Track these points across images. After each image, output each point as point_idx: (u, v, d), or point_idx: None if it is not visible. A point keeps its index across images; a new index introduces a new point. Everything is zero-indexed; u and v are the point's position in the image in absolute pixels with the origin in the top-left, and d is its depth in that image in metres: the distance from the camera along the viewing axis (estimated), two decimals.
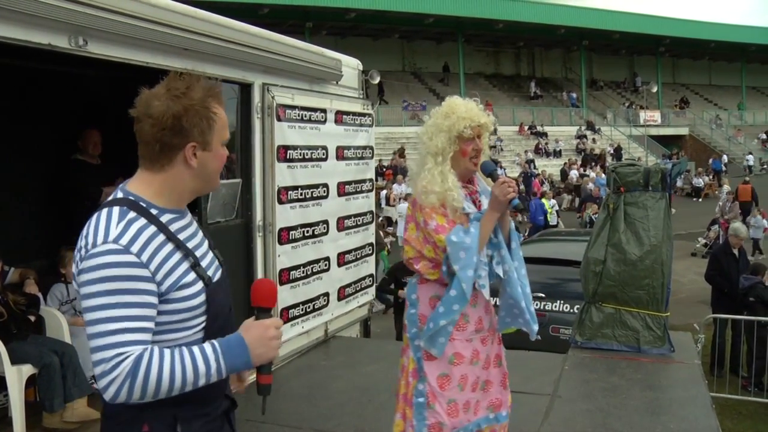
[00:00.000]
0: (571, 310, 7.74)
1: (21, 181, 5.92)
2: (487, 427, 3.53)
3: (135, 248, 1.92)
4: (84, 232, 1.96)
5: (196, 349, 1.95)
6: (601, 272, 6.28)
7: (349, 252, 7.09)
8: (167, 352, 1.92)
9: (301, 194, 6.21)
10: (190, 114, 1.98)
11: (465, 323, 3.43)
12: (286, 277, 6.02)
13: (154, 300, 1.94)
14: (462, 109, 3.40)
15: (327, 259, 6.67)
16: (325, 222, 6.61)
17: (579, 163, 34.89)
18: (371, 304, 7.72)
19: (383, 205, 20.91)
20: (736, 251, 9.92)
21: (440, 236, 3.30)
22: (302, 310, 6.29)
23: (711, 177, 35.80)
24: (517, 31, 45.20)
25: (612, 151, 38.76)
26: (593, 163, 35.00)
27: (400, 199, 20.11)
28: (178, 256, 2.03)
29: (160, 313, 1.97)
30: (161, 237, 1.99)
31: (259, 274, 5.79)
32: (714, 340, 9.23)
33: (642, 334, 6.15)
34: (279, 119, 5.84)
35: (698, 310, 12.09)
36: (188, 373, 1.91)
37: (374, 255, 7.78)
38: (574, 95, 47.99)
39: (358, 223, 7.27)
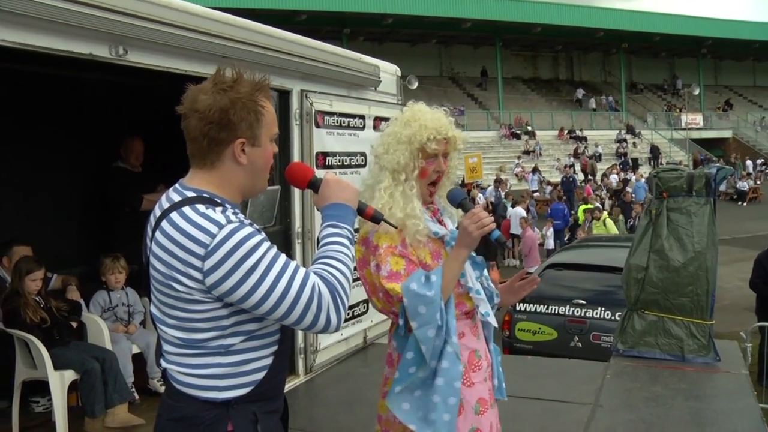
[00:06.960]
0: (613, 318, 7.61)
1: (62, 189, 6.01)
2: None
3: (247, 223, 1.91)
4: (180, 236, 1.85)
5: (325, 242, 2.03)
6: (644, 279, 6.15)
7: None
8: (318, 262, 1.98)
9: None
10: (237, 107, 1.94)
11: (478, 360, 2.77)
12: None
13: None
14: (427, 116, 2.72)
15: None
16: None
17: (619, 167, 34.46)
18: None
19: None
20: None
21: (393, 285, 2.57)
22: None
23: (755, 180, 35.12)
24: (555, 35, 44.92)
25: (650, 155, 38.27)
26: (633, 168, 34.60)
27: None
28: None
29: None
30: None
31: None
32: (762, 349, 9.00)
33: (686, 342, 6.01)
34: (317, 126, 5.84)
35: (744, 317, 11.83)
36: (348, 256, 2.01)
37: None
38: (612, 99, 47.43)
39: None
